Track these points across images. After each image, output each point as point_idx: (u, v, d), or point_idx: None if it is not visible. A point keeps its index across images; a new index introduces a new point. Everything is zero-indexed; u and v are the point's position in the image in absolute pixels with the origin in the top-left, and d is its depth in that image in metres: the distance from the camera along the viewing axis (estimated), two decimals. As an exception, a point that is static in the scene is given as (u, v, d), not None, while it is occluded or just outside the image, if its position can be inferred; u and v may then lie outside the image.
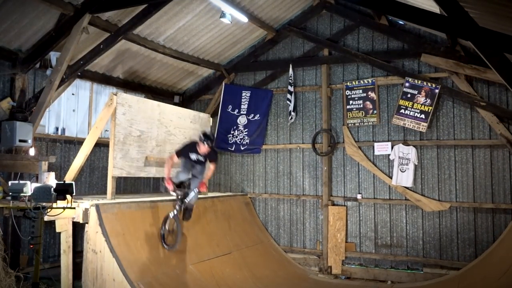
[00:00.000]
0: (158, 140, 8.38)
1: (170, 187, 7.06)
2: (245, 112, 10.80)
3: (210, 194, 9.83)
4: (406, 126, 9.23)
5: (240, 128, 10.80)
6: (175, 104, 10.58)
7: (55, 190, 5.96)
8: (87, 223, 6.59)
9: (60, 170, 8.39)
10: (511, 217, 8.42)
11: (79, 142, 8.59)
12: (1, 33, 7.29)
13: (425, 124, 9.05)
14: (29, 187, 6.13)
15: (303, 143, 10.39)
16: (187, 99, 11.58)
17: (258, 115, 10.72)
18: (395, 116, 9.33)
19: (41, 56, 7.77)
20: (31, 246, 6.14)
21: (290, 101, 10.21)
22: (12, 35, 7.46)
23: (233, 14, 8.66)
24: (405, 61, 9.52)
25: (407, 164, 9.20)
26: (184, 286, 7.00)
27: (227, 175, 11.18)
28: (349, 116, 9.84)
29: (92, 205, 6.58)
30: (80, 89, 9.17)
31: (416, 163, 9.20)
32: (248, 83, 11.09)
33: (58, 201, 6.02)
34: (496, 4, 5.18)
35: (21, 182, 6.35)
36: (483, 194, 8.75)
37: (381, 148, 9.51)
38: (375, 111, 9.63)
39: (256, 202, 10.76)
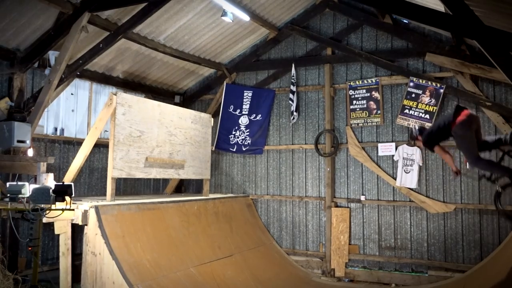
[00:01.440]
0: (159, 140, 8.28)
1: None
2: (246, 112, 10.70)
3: (212, 196, 9.75)
4: (411, 126, 9.10)
5: (241, 128, 10.70)
6: (176, 104, 10.50)
7: (53, 191, 5.90)
8: (86, 225, 6.52)
9: (59, 171, 8.30)
10: (517, 219, 8.31)
11: (78, 142, 8.49)
12: (-1, 31, 7.21)
13: (430, 125, 8.92)
14: (28, 189, 6.06)
15: (305, 143, 10.28)
16: (188, 99, 11.48)
17: (260, 115, 10.62)
18: (399, 116, 9.22)
19: (40, 55, 7.68)
20: (30, 248, 6.07)
21: (293, 101, 10.11)
22: (10, 34, 7.38)
23: (234, 12, 8.57)
24: (410, 61, 9.41)
25: (411, 165, 9.08)
26: (185, 289, 6.91)
27: (229, 176, 11.08)
28: (353, 116, 9.73)
29: (91, 207, 6.51)
30: (79, 88, 9.08)
31: (421, 164, 9.08)
32: (250, 82, 10.98)
33: (57, 203, 5.97)
34: (502, 2, 5.09)
35: (19, 183, 6.27)
36: (488, 195, 8.62)
37: (385, 149, 9.40)
38: (379, 111, 9.52)
39: (258, 204, 10.64)
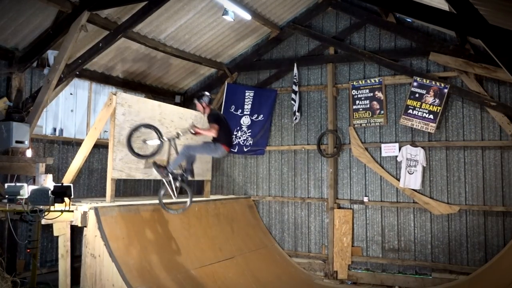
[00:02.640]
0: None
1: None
2: (248, 113, 10.61)
3: (213, 197, 9.67)
4: (414, 126, 9.02)
5: (243, 128, 10.61)
6: (176, 104, 10.42)
7: (52, 192, 5.88)
8: (85, 226, 6.47)
9: (58, 172, 8.23)
10: (523, 221, 8.23)
11: (78, 143, 8.42)
12: (-3, 31, 7.14)
13: (434, 125, 8.85)
14: (26, 190, 6.04)
15: (308, 144, 10.19)
16: (188, 99, 11.37)
17: (261, 115, 10.53)
18: (403, 116, 9.13)
19: (38, 54, 7.61)
20: (28, 250, 6.08)
21: (295, 101, 10.02)
22: (9, 33, 7.31)
23: (236, 11, 8.50)
24: (413, 60, 9.32)
25: (415, 166, 8.99)
26: (185, 292, 6.84)
27: (230, 177, 10.99)
28: (356, 116, 9.63)
29: (90, 208, 6.46)
30: (79, 88, 9.00)
31: (425, 165, 8.99)
32: (251, 82, 10.90)
33: (56, 204, 5.95)
34: (507, 1, 5.02)
35: (17, 184, 6.24)
36: (493, 196, 8.56)
37: (389, 150, 9.31)
38: (382, 111, 9.42)
39: (259, 205, 10.55)
